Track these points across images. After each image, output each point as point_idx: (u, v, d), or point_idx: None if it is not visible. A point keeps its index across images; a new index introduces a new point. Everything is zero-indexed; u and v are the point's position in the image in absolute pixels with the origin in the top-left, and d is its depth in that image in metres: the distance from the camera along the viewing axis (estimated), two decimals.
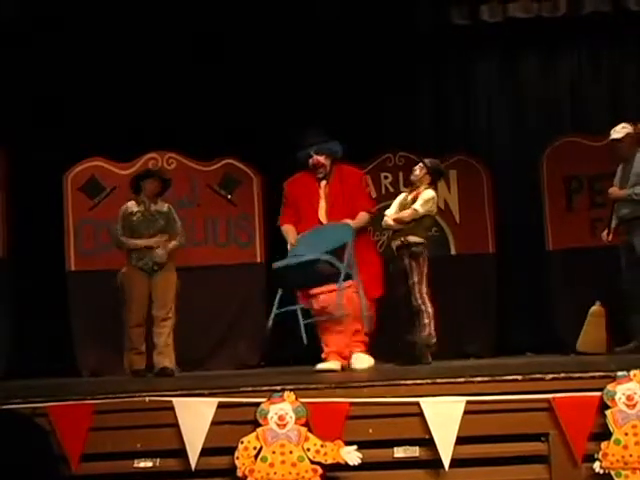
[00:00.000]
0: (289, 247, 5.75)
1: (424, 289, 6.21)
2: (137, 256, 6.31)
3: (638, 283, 6.27)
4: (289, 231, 5.92)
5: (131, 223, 6.34)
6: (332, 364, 5.57)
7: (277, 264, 5.48)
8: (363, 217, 5.92)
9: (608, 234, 6.51)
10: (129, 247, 6.32)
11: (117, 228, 6.41)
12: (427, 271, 6.27)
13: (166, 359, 6.20)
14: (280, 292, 5.46)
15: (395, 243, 6.29)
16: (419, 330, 6.10)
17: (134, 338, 6.31)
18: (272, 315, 5.45)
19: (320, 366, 5.54)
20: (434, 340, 6.11)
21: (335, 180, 5.97)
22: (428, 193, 6.31)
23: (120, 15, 7.26)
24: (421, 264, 6.23)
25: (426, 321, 6.13)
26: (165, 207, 6.48)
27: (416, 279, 6.17)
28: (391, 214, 6.38)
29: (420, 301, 6.15)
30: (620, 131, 6.38)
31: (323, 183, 5.97)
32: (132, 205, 6.43)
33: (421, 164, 6.42)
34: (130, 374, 6.27)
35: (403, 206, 6.36)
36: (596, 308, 6.77)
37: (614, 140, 6.38)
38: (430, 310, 6.17)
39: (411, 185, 6.52)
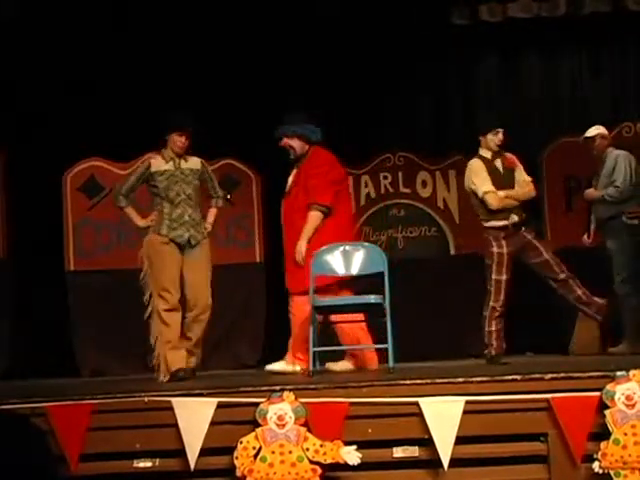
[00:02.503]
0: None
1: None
2: (169, 225, 5.33)
3: (626, 284, 6.32)
4: None
5: (158, 184, 5.38)
6: (343, 365, 5.54)
7: (321, 302, 5.17)
8: (313, 219, 5.47)
9: (588, 236, 6.61)
10: (124, 212, 5.51)
11: (126, 184, 5.49)
12: None
13: (191, 359, 5.36)
14: (316, 325, 5.17)
15: (513, 219, 5.83)
16: (584, 300, 5.93)
17: (172, 326, 5.26)
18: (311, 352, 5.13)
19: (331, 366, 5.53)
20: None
21: (303, 165, 5.65)
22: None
23: (118, 13, 7.26)
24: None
25: (585, 289, 5.92)
26: (198, 164, 5.52)
27: (551, 250, 5.92)
28: (503, 192, 5.82)
29: (567, 271, 5.88)
30: (592, 131, 6.48)
31: (296, 165, 5.70)
32: (158, 162, 5.44)
33: (501, 130, 5.98)
34: (169, 378, 5.22)
35: (497, 176, 5.87)
36: None
37: (586, 139, 6.48)
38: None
39: (493, 153, 5.94)
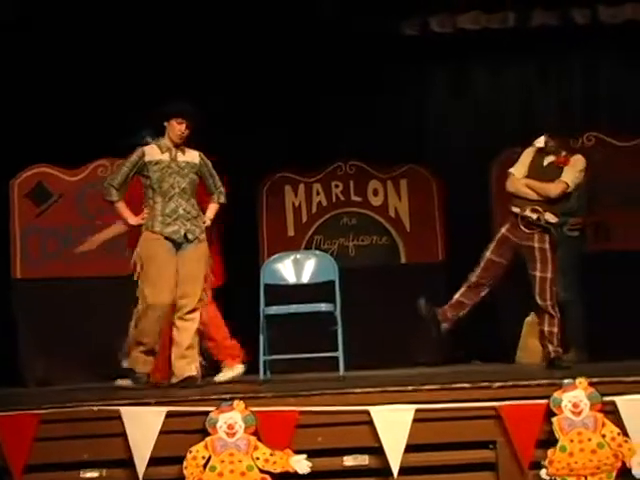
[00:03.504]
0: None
1: (554, 288, 5.47)
2: (162, 221, 4.97)
3: (569, 291, 6.43)
4: None
5: (151, 174, 5.00)
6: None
7: (271, 311, 5.16)
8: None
9: None
10: (115, 207, 5.07)
11: (118, 175, 5.04)
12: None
13: (191, 365, 5.01)
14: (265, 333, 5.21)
15: (525, 213, 5.46)
16: (545, 339, 5.47)
17: (152, 330, 4.93)
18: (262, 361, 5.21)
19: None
20: (562, 362, 5.38)
21: None
22: (581, 161, 5.54)
23: (69, 18, 7.20)
24: (554, 255, 5.46)
25: (556, 329, 5.47)
26: (197, 158, 5.15)
27: (550, 274, 5.43)
28: (526, 180, 5.50)
29: (550, 303, 5.44)
30: (541, 141, 6.52)
31: None
32: (153, 151, 5.08)
33: (545, 136, 5.59)
34: (132, 379, 4.99)
35: (538, 169, 5.52)
36: (530, 318, 6.86)
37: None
38: (558, 316, 5.49)
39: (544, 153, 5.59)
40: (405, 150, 8.21)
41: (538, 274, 5.49)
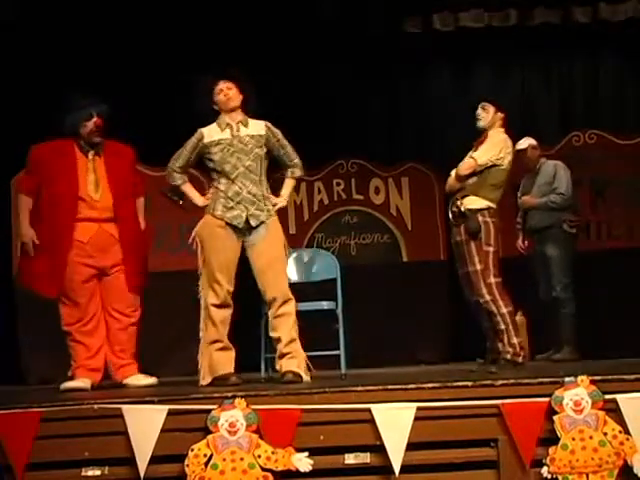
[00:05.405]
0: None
1: (492, 279, 4.86)
2: (224, 204, 4.63)
3: (567, 290, 6.45)
4: (22, 202, 5.20)
5: (213, 156, 4.64)
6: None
7: None
8: (142, 204, 5.30)
9: (523, 242, 6.72)
10: (177, 191, 4.81)
11: (178, 158, 4.76)
12: (495, 252, 4.81)
13: (293, 360, 4.69)
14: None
15: (451, 209, 5.07)
16: (493, 339, 5.00)
17: (220, 325, 4.64)
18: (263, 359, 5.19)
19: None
20: (520, 357, 4.93)
21: (108, 153, 5.16)
22: (497, 135, 5.06)
23: (72, 16, 7.21)
24: (483, 242, 4.82)
25: (502, 327, 4.92)
26: (262, 128, 4.70)
27: (478, 266, 4.85)
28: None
29: (490, 298, 4.89)
30: (523, 143, 6.57)
31: (91, 154, 5.15)
32: (212, 131, 4.68)
33: (485, 104, 5.18)
34: (210, 382, 4.66)
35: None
36: (518, 318, 6.88)
37: (519, 151, 6.38)
38: (505, 310, 4.89)
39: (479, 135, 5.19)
40: (407, 148, 8.22)
41: (469, 269, 5.01)
